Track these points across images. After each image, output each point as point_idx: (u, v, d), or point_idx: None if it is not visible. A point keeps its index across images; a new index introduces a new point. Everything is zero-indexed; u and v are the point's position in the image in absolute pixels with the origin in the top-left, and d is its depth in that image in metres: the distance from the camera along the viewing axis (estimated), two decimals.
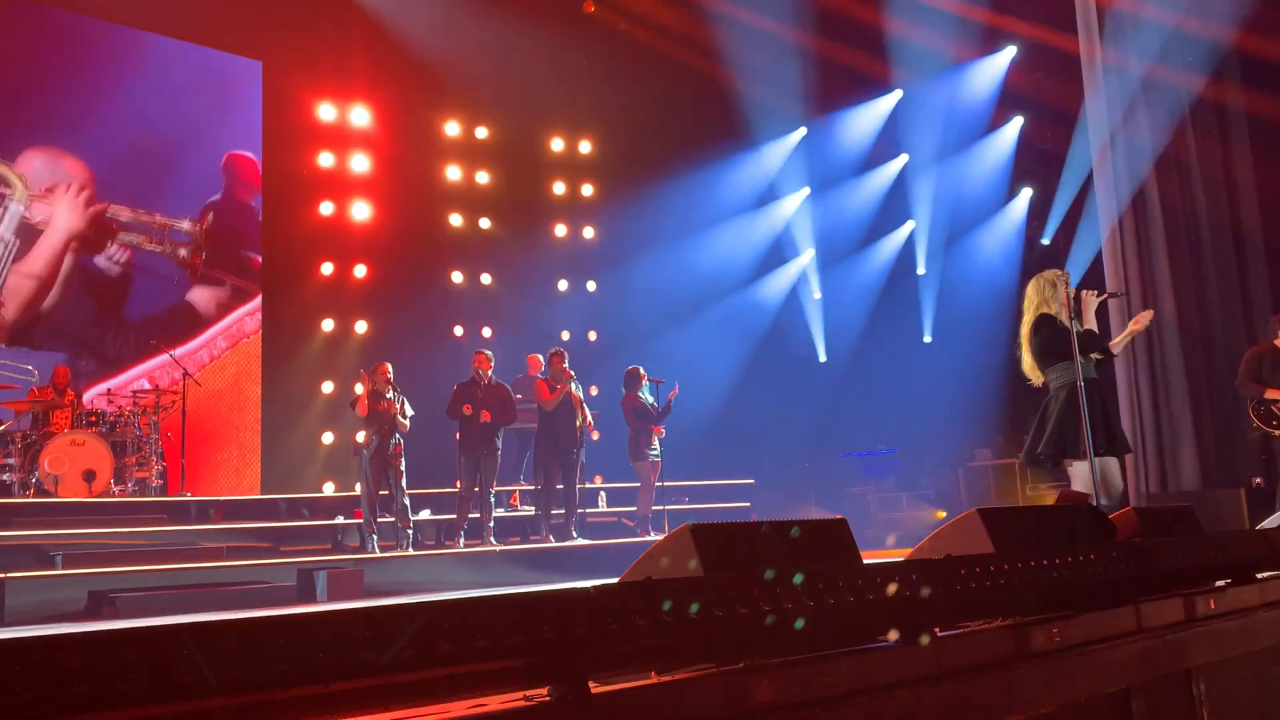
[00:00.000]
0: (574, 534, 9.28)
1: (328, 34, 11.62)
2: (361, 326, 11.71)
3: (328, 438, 11.33)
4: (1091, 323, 5.27)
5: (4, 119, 9.99)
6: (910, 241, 13.77)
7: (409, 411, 8.67)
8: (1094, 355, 5.34)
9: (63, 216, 10.23)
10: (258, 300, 11.48)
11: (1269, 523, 6.49)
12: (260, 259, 11.60)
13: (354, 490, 9.15)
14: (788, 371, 13.81)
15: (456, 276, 12.64)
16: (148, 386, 9.85)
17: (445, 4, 11.43)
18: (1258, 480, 8.65)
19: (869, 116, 13.70)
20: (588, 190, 13.87)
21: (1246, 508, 8.12)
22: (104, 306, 10.48)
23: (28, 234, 10.05)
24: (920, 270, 13.66)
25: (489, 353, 9.28)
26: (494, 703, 1.52)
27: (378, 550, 8.34)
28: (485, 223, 12.90)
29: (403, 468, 8.54)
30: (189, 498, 8.95)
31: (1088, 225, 10.83)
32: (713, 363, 12.96)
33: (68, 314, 10.21)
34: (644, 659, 1.66)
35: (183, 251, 11.02)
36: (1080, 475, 5.12)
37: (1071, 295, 5.25)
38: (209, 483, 10.54)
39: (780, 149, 14.00)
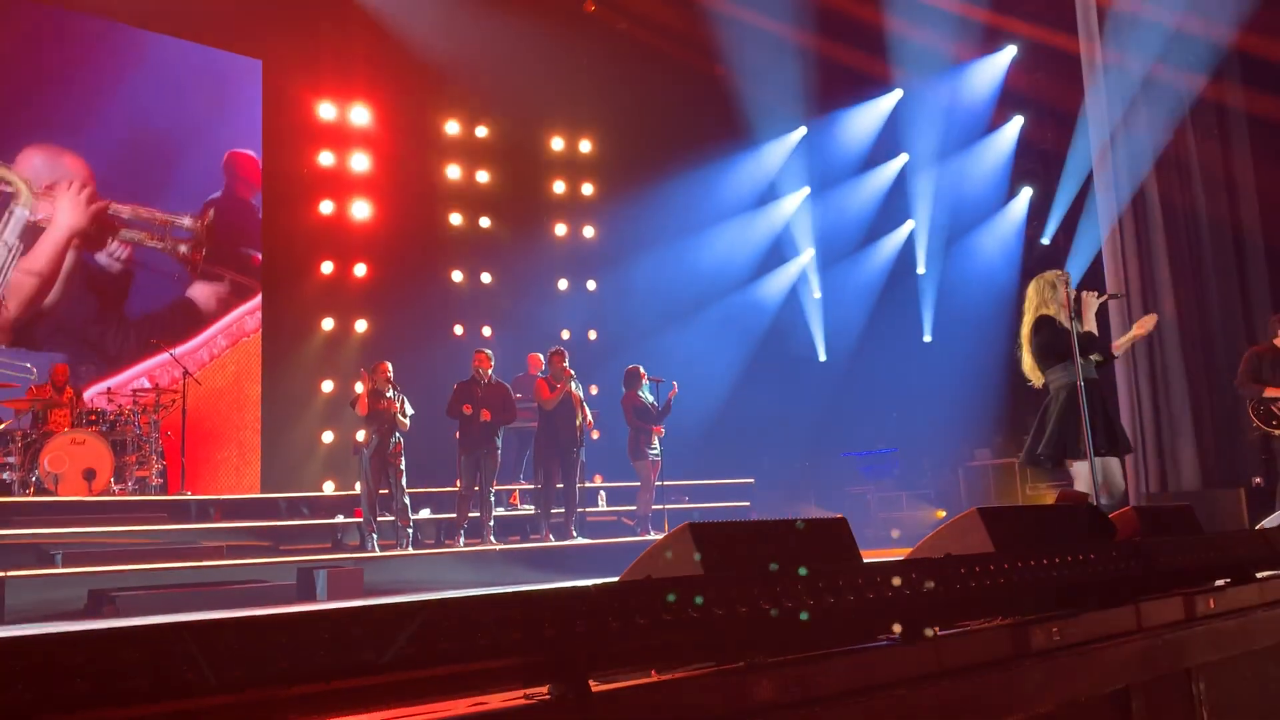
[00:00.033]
0: (574, 533, 9.28)
1: (328, 33, 11.62)
2: (361, 325, 11.71)
3: (328, 437, 11.33)
4: (1091, 324, 5.27)
5: (4, 117, 9.99)
6: (910, 241, 13.77)
7: (409, 410, 8.67)
8: (1094, 357, 5.34)
9: (65, 213, 10.23)
10: (258, 299, 11.48)
11: (1269, 522, 6.49)
12: (260, 256, 11.60)
13: (354, 489, 9.15)
14: (788, 371, 13.82)
15: (456, 275, 12.64)
16: (148, 385, 9.84)
17: (445, 3, 11.43)
18: (1258, 480, 8.65)
19: (869, 116, 13.70)
20: (588, 189, 13.87)
21: (1246, 507, 8.12)
22: (105, 303, 10.48)
23: (29, 231, 10.06)
24: (920, 270, 13.66)
25: (489, 352, 9.28)
26: (494, 701, 1.52)
27: (377, 549, 8.34)
28: (485, 222, 12.90)
29: (403, 467, 8.54)
30: (189, 497, 8.94)
31: (1088, 225, 10.83)
32: (713, 362, 12.96)
33: (69, 311, 10.22)
34: (644, 657, 1.66)
35: (183, 248, 11.02)
36: (1083, 475, 5.12)
37: (1072, 296, 5.25)
38: (209, 482, 10.54)
39: (780, 148, 14.01)
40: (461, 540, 8.86)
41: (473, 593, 1.44)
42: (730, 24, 12.17)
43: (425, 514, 9.61)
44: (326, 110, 11.74)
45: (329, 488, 10.76)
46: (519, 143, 13.27)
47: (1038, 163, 12.89)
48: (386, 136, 12.10)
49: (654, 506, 9.74)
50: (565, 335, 12.99)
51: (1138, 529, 3.19)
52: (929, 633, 2.03)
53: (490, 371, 9.13)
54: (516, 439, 10.47)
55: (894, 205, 13.79)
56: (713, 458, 12.11)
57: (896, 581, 2.00)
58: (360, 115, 11.94)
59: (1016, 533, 2.60)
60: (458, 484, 9.01)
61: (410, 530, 8.54)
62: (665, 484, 9.89)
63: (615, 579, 1.75)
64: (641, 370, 9.84)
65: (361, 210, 11.85)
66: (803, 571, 1.84)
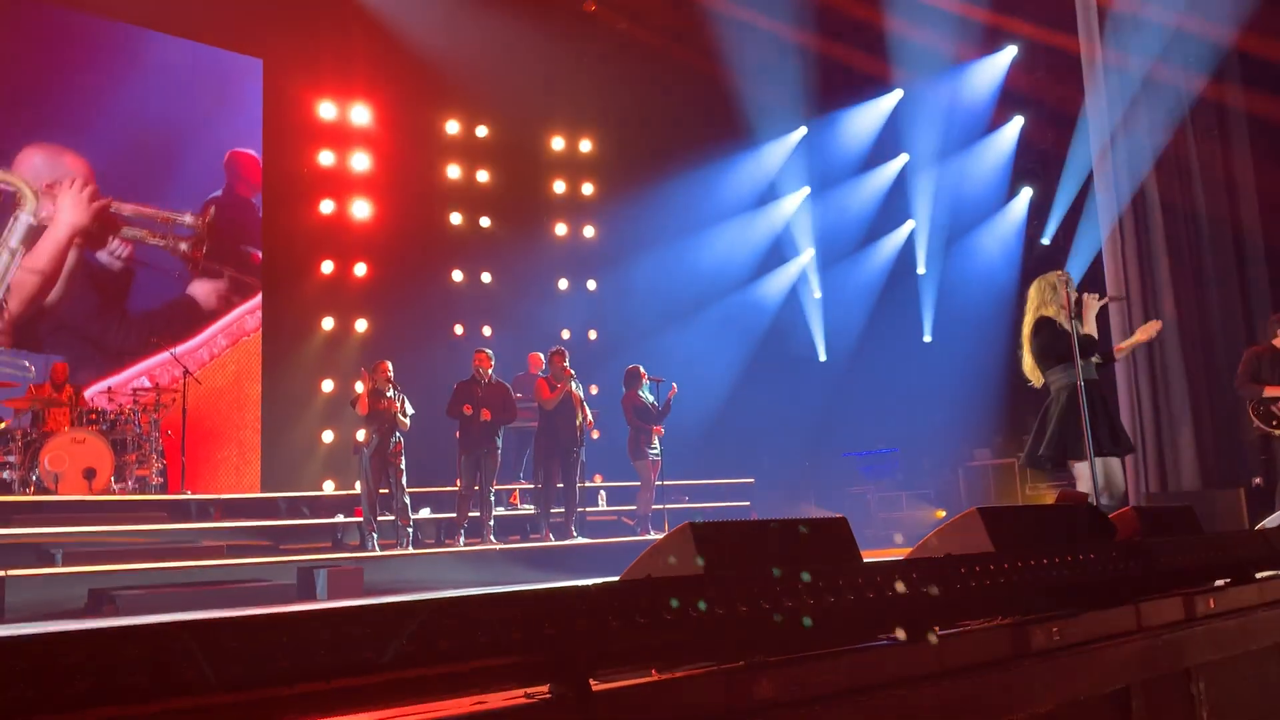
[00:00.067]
0: (574, 533, 9.28)
1: (328, 32, 11.62)
2: (362, 325, 11.71)
3: (328, 436, 11.34)
4: (1091, 326, 5.27)
5: (5, 116, 9.99)
6: (910, 241, 13.77)
7: (409, 410, 8.67)
8: (1094, 359, 5.34)
9: (66, 211, 10.24)
10: (258, 298, 11.49)
11: (1268, 522, 6.49)
12: (261, 255, 11.60)
13: (354, 489, 9.16)
14: (788, 371, 13.82)
15: (457, 275, 12.64)
16: (148, 384, 9.85)
17: (446, 3, 11.43)
18: (1257, 480, 8.64)
19: (869, 116, 13.69)
20: (588, 189, 13.87)
21: (1246, 508, 8.11)
22: (106, 301, 10.49)
23: (32, 231, 10.06)
24: (920, 270, 13.66)
25: (489, 351, 9.28)
26: (495, 700, 1.52)
27: (378, 549, 8.34)
28: (485, 221, 12.90)
29: (403, 466, 8.54)
30: (189, 496, 8.95)
31: (1088, 225, 10.83)
32: (713, 362, 12.97)
33: (71, 309, 10.22)
34: (645, 657, 1.66)
35: (184, 245, 11.03)
36: (1086, 475, 5.13)
37: (1073, 298, 5.24)
38: (209, 481, 10.54)
39: (780, 148, 14.00)
40: (461, 540, 8.86)
41: (473, 592, 1.44)
42: (730, 24, 12.16)
43: (425, 513, 9.61)
44: (327, 109, 11.74)
45: (329, 487, 10.76)
46: (519, 142, 13.27)
47: (1038, 163, 12.88)
48: (387, 136, 12.10)
49: (654, 506, 9.74)
50: (565, 335, 13.00)
51: (1138, 529, 3.19)
52: (928, 633, 2.03)
53: (490, 371, 9.13)
54: (517, 439, 10.47)
55: (894, 205, 13.79)
56: (713, 457, 12.11)
57: (896, 581, 2.00)
58: (360, 114, 11.94)
59: (1016, 533, 2.60)
60: (458, 483, 9.01)
61: (410, 530, 8.54)
62: (665, 484, 9.89)
63: (615, 578, 1.75)
64: (642, 370, 9.84)
65: (362, 210, 11.85)
66: (806, 577, 1.84)
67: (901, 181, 13.72)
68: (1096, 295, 5.37)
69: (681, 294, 13.36)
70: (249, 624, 1.23)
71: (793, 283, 14.33)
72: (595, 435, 11.25)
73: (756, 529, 2.10)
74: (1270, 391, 7.14)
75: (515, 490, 10.65)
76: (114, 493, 8.49)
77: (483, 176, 12.99)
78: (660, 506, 9.73)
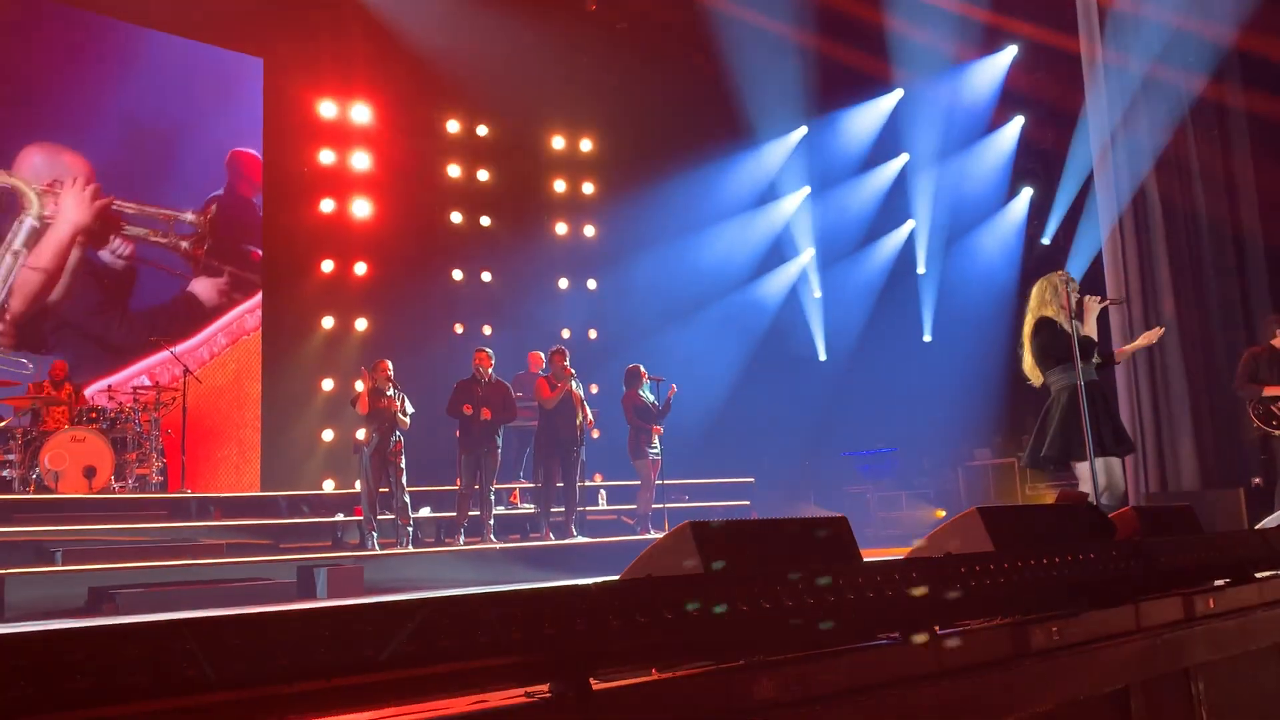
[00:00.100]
0: (574, 532, 9.28)
1: (329, 32, 11.62)
2: (362, 324, 11.71)
3: (328, 435, 11.34)
4: (1092, 328, 5.26)
5: (5, 115, 9.99)
6: (910, 241, 13.78)
7: (409, 409, 8.67)
8: (1093, 360, 5.34)
9: (69, 210, 10.25)
10: (258, 297, 11.49)
11: (1268, 522, 6.49)
12: (261, 253, 11.60)
13: (354, 488, 9.16)
14: (788, 370, 13.82)
15: (457, 274, 12.64)
16: (148, 383, 9.85)
17: (446, 2, 11.42)
18: (1257, 480, 8.65)
19: (869, 116, 13.70)
20: (588, 188, 13.87)
21: (1246, 508, 8.11)
22: (108, 299, 10.50)
23: (35, 231, 10.07)
24: (920, 270, 13.66)
25: (489, 350, 9.28)
26: (495, 699, 1.52)
27: (378, 548, 8.34)
28: (486, 220, 12.90)
29: (403, 465, 8.54)
30: (189, 494, 8.95)
31: (1088, 225, 10.83)
32: (713, 361, 12.97)
33: (73, 307, 10.24)
34: (645, 656, 1.66)
35: (185, 243, 11.03)
36: (1088, 475, 5.13)
37: (1074, 299, 5.24)
38: (209, 479, 10.54)
39: (780, 148, 14.00)
40: (462, 539, 8.86)
41: (473, 591, 1.44)
42: (730, 23, 12.16)
43: (425, 512, 9.61)
44: (327, 108, 11.74)
45: (329, 486, 10.77)
46: (519, 141, 13.27)
47: (1038, 163, 12.89)
48: (387, 135, 12.10)
49: (654, 505, 9.74)
50: (565, 334, 13.00)
51: (1138, 529, 3.19)
52: (928, 633, 2.03)
53: (491, 370, 9.13)
54: (517, 438, 10.47)
55: (894, 205, 13.79)
56: (713, 457, 12.11)
57: (897, 581, 2.00)
58: (361, 114, 11.94)
59: (1016, 532, 2.59)
60: (458, 483, 9.01)
61: (410, 529, 8.54)
62: (665, 483, 9.89)
63: (616, 577, 1.75)
64: (642, 369, 9.84)
65: (362, 209, 11.85)
66: (806, 577, 1.84)
67: (902, 181, 13.73)
68: (1097, 297, 5.37)
69: (682, 293, 13.36)
70: (249, 622, 1.23)
71: (793, 282, 14.33)
72: (595, 434, 11.25)
73: (757, 528, 2.10)
74: (1269, 391, 7.15)
75: (515, 489, 10.65)
76: (114, 491, 8.49)
77: (483, 176, 12.99)
78: (660, 506, 9.73)
